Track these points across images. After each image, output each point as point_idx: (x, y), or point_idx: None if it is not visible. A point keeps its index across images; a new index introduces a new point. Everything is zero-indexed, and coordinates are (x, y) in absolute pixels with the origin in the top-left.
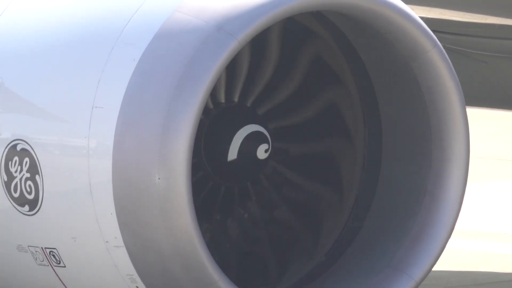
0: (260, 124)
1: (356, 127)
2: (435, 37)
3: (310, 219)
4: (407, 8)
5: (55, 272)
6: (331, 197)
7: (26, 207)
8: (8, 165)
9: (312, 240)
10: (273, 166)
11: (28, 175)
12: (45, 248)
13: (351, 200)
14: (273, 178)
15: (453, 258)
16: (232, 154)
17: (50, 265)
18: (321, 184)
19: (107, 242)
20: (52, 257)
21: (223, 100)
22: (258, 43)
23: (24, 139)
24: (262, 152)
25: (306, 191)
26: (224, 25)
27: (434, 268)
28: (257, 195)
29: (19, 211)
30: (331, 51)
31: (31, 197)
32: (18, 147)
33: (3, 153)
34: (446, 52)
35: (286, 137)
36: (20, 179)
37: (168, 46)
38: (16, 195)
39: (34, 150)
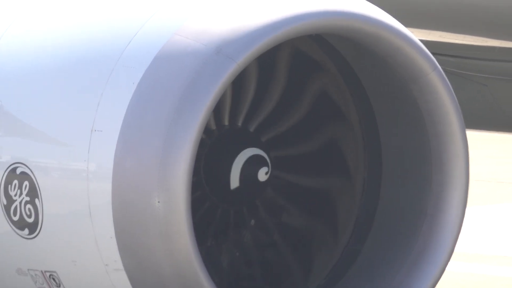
0: (260, 147)
1: (357, 150)
2: (434, 60)
3: (307, 243)
4: (406, 31)
5: None
6: (330, 220)
7: (26, 231)
8: (8, 189)
9: (309, 264)
10: (272, 189)
11: (27, 198)
12: (45, 271)
13: (351, 223)
14: (270, 201)
15: (453, 281)
16: (234, 180)
17: None
18: (320, 208)
19: (107, 265)
20: (52, 280)
21: (226, 123)
22: (265, 70)
23: (24, 162)
24: (262, 174)
25: (304, 215)
26: (223, 48)
27: None
28: (254, 218)
29: (19, 235)
30: (336, 82)
31: (30, 220)
32: (18, 171)
33: (3, 176)
34: (446, 74)
35: (284, 164)
36: (20, 203)
37: (167, 69)
38: (15, 218)
39: (34, 173)
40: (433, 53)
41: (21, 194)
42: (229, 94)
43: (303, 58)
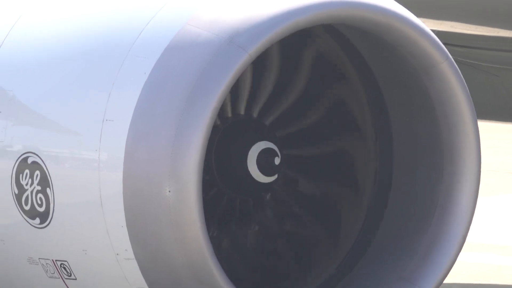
0: (270, 140)
1: (367, 141)
2: (446, 50)
3: (323, 230)
4: (418, 21)
5: (66, 285)
6: (347, 197)
7: (37, 220)
8: (19, 178)
9: (323, 254)
10: (285, 174)
11: (39, 187)
12: (56, 260)
13: (362, 213)
14: (285, 187)
15: (464, 271)
16: (246, 172)
17: (61, 277)
18: (335, 184)
19: (117, 254)
20: (63, 269)
21: (229, 112)
22: (288, 67)
23: (35, 151)
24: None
25: (318, 199)
26: (235, 38)
27: (445, 281)
28: (269, 206)
29: (30, 224)
30: (355, 91)
31: (42, 209)
32: (29, 160)
33: (14, 165)
34: (457, 65)
35: (296, 144)
36: (31, 192)
37: (178, 59)
38: (27, 207)
39: (45, 163)
40: (445, 43)
41: (32, 183)
42: (248, 84)
43: (326, 64)
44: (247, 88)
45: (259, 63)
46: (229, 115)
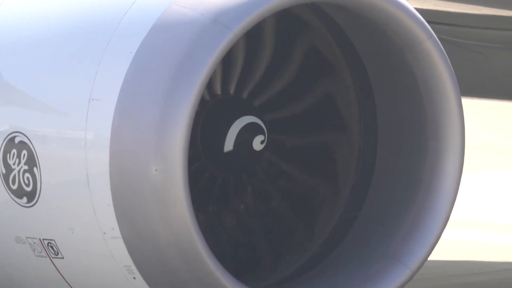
0: (256, 116)
1: (352, 118)
2: (430, 28)
3: (305, 210)
4: None
5: (53, 264)
6: (326, 188)
7: (24, 199)
8: (7, 158)
9: (307, 231)
10: (269, 158)
11: (26, 167)
12: (43, 239)
13: (346, 190)
14: (269, 170)
15: (448, 248)
16: (228, 145)
17: (48, 256)
18: (317, 175)
19: (104, 233)
20: (50, 248)
21: (219, 92)
22: (253, 35)
23: (22, 131)
24: (258, 143)
25: (301, 183)
26: (220, 17)
27: (430, 258)
28: (253, 186)
29: (17, 203)
30: (326, 42)
31: (29, 189)
32: (16, 140)
33: (1, 145)
34: (441, 43)
35: (282, 129)
36: (18, 171)
37: (164, 39)
38: (14, 187)
39: (32, 142)
40: (428, 21)
41: (19, 163)
42: (240, 65)
43: (290, 17)
44: (238, 69)
45: (253, 45)
46: (207, 97)
